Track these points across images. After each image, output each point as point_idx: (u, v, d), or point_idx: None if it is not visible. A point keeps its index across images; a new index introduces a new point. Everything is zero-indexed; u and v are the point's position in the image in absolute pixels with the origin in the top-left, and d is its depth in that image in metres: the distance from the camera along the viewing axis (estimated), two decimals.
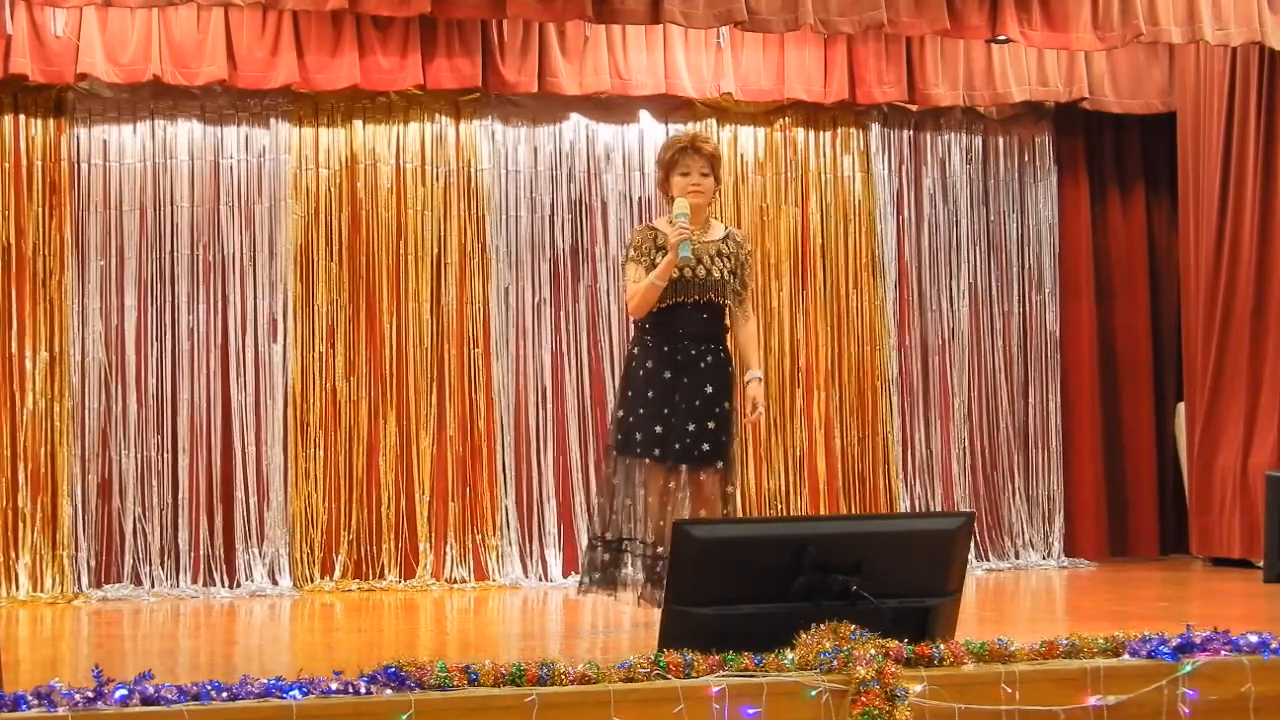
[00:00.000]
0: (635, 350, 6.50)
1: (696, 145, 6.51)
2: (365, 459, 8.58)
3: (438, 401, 8.67)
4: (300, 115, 8.63)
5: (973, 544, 7.82)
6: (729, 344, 6.55)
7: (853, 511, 8.97)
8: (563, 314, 8.86)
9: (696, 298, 6.40)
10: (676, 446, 6.34)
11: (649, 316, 6.42)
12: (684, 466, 6.36)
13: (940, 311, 9.40)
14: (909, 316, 9.33)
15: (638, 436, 6.38)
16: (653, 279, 6.32)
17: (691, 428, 6.34)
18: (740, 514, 7.40)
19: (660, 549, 6.33)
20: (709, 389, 6.39)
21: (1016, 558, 9.32)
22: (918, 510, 9.07)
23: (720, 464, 6.40)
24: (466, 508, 8.64)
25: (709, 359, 6.42)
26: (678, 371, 6.39)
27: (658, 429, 6.35)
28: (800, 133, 9.24)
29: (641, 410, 6.39)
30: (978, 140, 9.53)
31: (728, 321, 6.55)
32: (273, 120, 8.59)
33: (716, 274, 6.43)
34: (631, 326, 6.78)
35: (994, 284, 9.52)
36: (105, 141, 8.44)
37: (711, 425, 6.37)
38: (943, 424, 9.33)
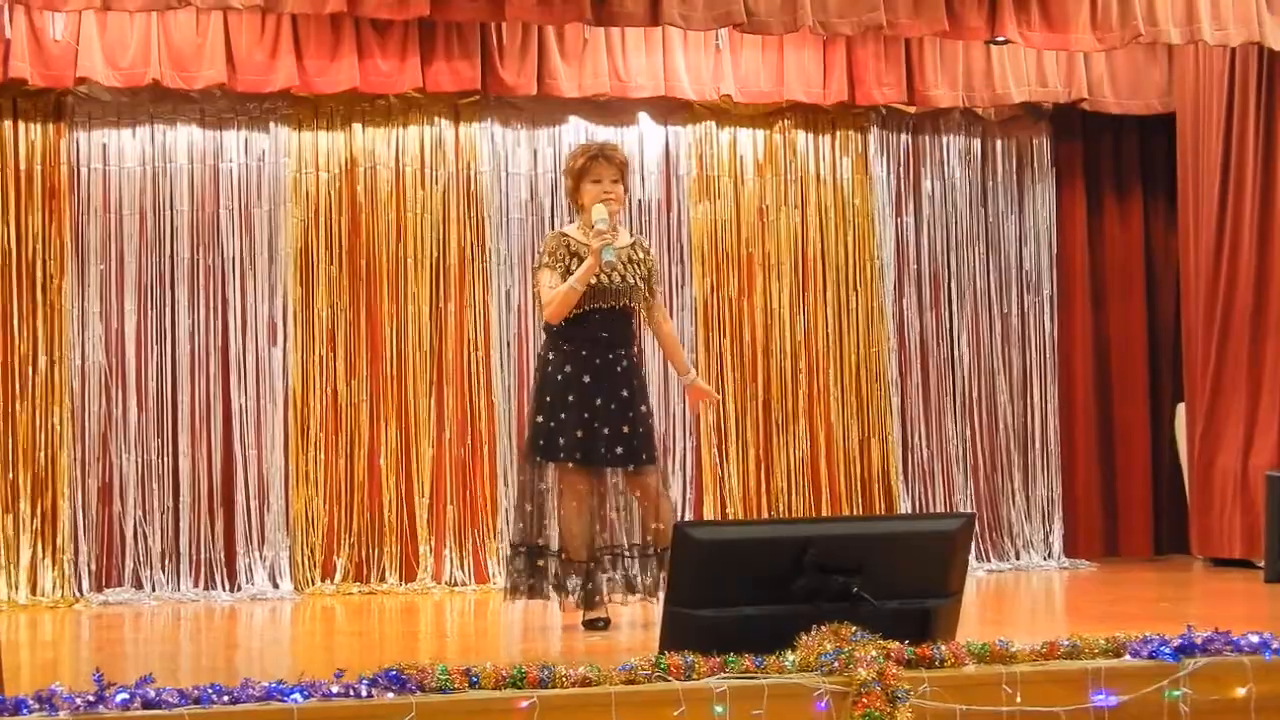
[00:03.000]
0: (550, 356, 6.52)
1: (606, 154, 6.57)
2: (366, 462, 8.58)
3: (438, 404, 8.67)
4: (299, 119, 8.63)
5: (973, 545, 7.81)
6: (636, 349, 6.64)
7: (853, 513, 8.98)
8: None
9: (612, 304, 6.48)
10: (604, 451, 6.42)
11: (562, 322, 6.46)
12: (620, 470, 6.47)
13: (939, 313, 9.40)
14: (908, 318, 9.33)
15: (561, 441, 6.42)
16: (572, 283, 6.36)
17: (613, 432, 6.42)
18: (679, 515, 7.52)
19: (595, 557, 6.45)
20: (624, 393, 6.47)
21: (1017, 559, 9.32)
22: (918, 511, 9.07)
23: (649, 459, 6.49)
24: (467, 510, 8.64)
25: (624, 364, 6.51)
26: (596, 377, 6.45)
27: (579, 434, 6.41)
28: (799, 134, 9.24)
29: (563, 415, 6.43)
30: (976, 142, 9.53)
31: (635, 328, 6.61)
32: (272, 124, 8.59)
33: (631, 280, 6.51)
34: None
35: (992, 286, 9.52)
36: (105, 145, 8.44)
37: (626, 430, 6.44)
38: (941, 425, 9.34)
